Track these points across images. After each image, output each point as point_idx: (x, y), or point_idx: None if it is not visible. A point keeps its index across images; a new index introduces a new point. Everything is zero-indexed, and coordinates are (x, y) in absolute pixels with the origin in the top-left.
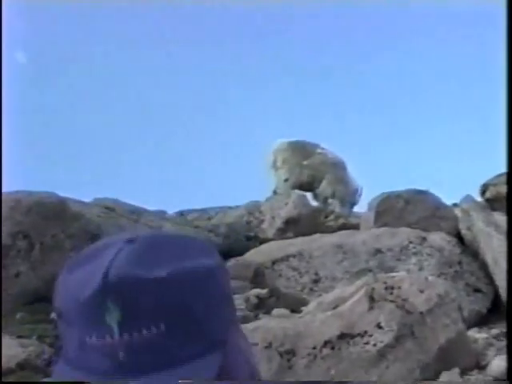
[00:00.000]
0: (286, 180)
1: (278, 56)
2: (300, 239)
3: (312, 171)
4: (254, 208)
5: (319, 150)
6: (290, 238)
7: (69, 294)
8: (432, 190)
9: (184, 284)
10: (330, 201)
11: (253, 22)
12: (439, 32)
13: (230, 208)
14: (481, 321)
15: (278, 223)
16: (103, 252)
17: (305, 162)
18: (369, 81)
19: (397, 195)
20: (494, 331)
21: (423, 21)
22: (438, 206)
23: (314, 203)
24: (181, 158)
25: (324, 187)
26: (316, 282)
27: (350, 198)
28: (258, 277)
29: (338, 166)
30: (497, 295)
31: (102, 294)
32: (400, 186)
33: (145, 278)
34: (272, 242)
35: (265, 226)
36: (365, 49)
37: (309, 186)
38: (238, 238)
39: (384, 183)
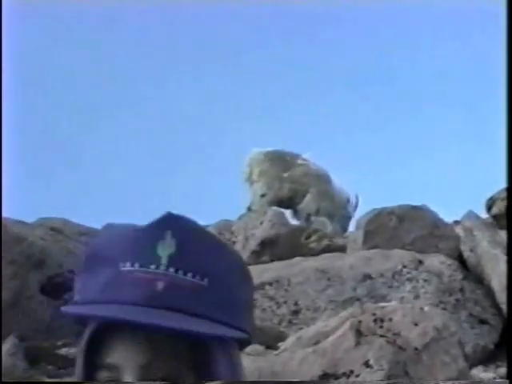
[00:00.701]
0: (262, 195)
1: (255, 57)
2: (277, 264)
3: (293, 185)
4: (224, 228)
5: (300, 161)
6: (266, 262)
7: (115, 230)
8: (429, 206)
9: (239, 265)
10: (313, 218)
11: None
12: (438, 33)
13: None
14: (487, 357)
15: (253, 245)
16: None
17: (285, 175)
18: (360, 85)
19: (389, 212)
20: (503, 370)
21: (421, 21)
22: (437, 223)
23: (294, 221)
24: (140, 170)
25: (307, 203)
26: (296, 313)
27: (339, 212)
28: None
29: (323, 179)
30: (505, 327)
31: (164, 224)
32: (392, 202)
33: (210, 233)
34: None
35: (237, 248)
36: (359, 51)
37: (289, 201)
38: None
39: (374, 198)
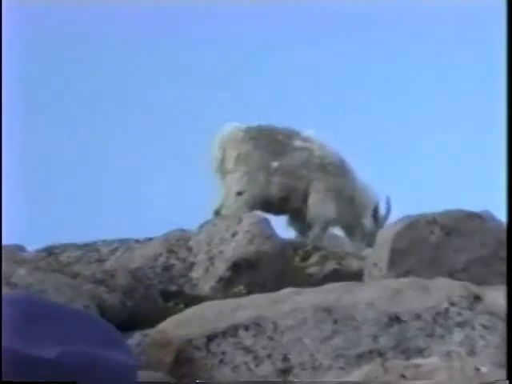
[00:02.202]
0: (239, 193)
1: None
2: (258, 297)
3: (287, 178)
4: (177, 242)
5: (299, 143)
6: (241, 294)
7: None
8: (493, 212)
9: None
10: (316, 229)
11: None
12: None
13: (136, 242)
14: None
15: (220, 269)
16: None
17: (274, 163)
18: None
19: (429, 221)
20: None
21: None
22: (504, 239)
23: (286, 234)
24: (53, 153)
25: (308, 206)
26: (285, 372)
27: (362, 221)
28: (181, 365)
29: (333, 169)
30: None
31: None
32: (435, 206)
33: (30, 355)
34: (208, 303)
35: (196, 273)
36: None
37: (280, 203)
38: (147, 294)
39: (408, 199)
